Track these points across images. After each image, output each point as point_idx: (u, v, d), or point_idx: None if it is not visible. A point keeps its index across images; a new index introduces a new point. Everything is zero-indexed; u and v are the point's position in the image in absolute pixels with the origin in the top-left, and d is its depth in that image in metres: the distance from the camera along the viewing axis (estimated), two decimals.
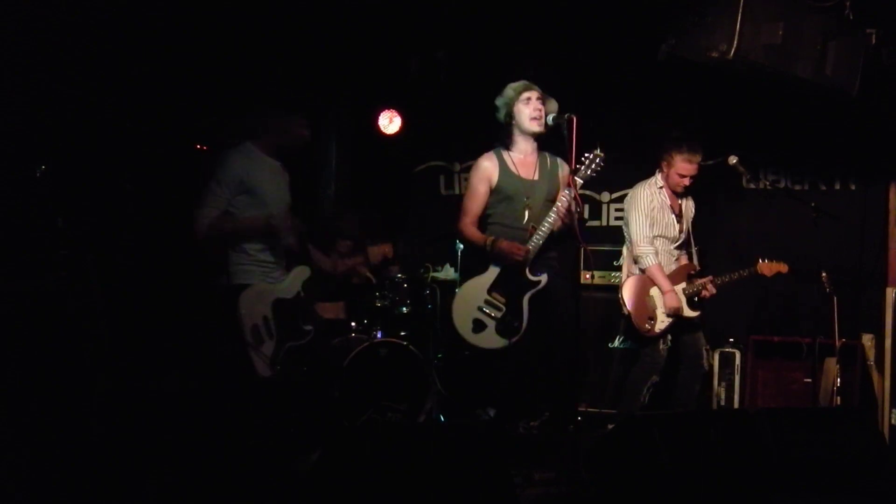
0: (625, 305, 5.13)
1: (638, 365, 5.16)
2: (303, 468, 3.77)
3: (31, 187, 4.47)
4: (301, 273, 4.31)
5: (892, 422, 5.38)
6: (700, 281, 5.19)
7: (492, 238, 4.55)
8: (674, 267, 5.26)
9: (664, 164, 5.19)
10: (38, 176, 4.47)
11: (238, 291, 4.08)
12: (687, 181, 5.17)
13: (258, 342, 4.08)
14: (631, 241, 5.21)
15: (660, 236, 5.20)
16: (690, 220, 5.37)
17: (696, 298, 5.18)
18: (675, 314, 5.09)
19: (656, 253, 5.15)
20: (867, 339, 5.60)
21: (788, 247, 5.90)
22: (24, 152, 4.47)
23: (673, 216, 5.23)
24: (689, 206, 5.36)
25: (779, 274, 5.27)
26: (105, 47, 4.81)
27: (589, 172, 4.47)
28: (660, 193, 5.21)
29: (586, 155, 4.46)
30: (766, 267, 5.25)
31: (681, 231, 5.27)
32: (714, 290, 5.21)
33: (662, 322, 5.08)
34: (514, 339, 4.48)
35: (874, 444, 4.23)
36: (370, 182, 6.87)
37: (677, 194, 5.26)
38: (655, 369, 5.12)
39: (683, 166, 5.12)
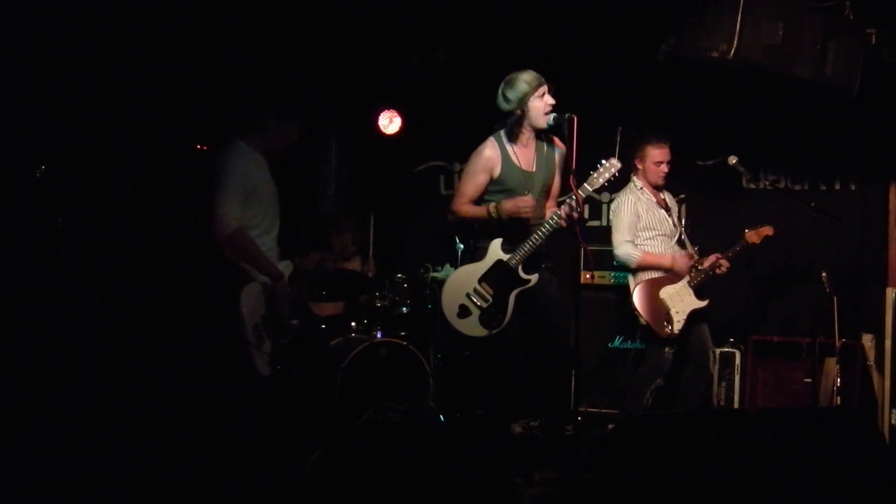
0: (641, 316, 5.11)
1: (642, 367, 5.16)
2: (303, 468, 3.77)
3: (31, 187, 4.47)
4: (285, 269, 4.32)
5: (892, 422, 5.38)
6: (709, 262, 5.20)
7: (494, 203, 4.52)
8: None
9: (637, 161, 5.24)
10: (38, 176, 4.47)
11: (238, 290, 4.08)
12: (665, 167, 5.21)
13: (259, 341, 4.08)
14: (613, 247, 5.23)
15: (660, 235, 5.21)
16: (677, 212, 5.44)
17: (703, 287, 5.19)
18: (688, 270, 5.14)
19: (635, 245, 5.16)
20: (867, 339, 5.60)
21: (788, 247, 5.92)
22: (24, 152, 4.47)
23: (662, 211, 5.26)
24: (670, 198, 5.41)
25: (767, 238, 5.30)
26: (105, 47, 4.81)
27: (602, 181, 4.47)
28: (642, 193, 5.23)
29: (602, 162, 4.45)
30: (753, 235, 5.28)
31: (674, 224, 5.30)
32: (728, 265, 5.23)
33: (679, 321, 5.08)
34: (494, 331, 4.51)
35: (874, 444, 4.23)
36: (370, 182, 6.87)
37: (658, 188, 5.28)
38: (660, 373, 5.12)
39: (657, 153, 5.18)
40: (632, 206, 5.19)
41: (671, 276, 5.16)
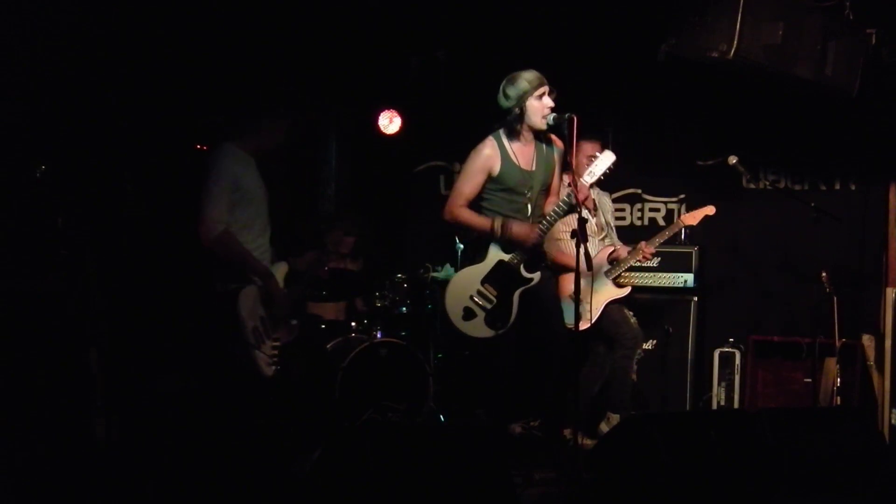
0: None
1: (588, 365, 5.18)
2: (303, 468, 3.77)
3: (31, 187, 4.47)
4: (280, 269, 4.33)
5: (892, 422, 5.38)
6: (635, 252, 5.21)
7: (500, 220, 4.45)
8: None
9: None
10: (38, 176, 4.47)
11: (236, 293, 4.09)
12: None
13: (259, 343, 4.08)
14: None
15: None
16: (607, 215, 5.44)
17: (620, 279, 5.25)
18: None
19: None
20: (867, 339, 5.59)
21: (788, 247, 5.92)
22: (24, 152, 4.48)
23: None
24: (604, 202, 5.44)
25: (706, 217, 5.32)
26: (105, 47, 4.82)
27: (599, 173, 4.46)
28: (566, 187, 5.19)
29: (597, 154, 4.46)
30: (690, 217, 5.35)
31: (598, 226, 5.31)
32: (653, 250, 5.25)
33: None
34: (500, 332, 4.48)
35: (874, 444, 4.23)
36: (370, 182, 6.87)
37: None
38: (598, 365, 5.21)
39: (589, 147, 5.11)
40: None
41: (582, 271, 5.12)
